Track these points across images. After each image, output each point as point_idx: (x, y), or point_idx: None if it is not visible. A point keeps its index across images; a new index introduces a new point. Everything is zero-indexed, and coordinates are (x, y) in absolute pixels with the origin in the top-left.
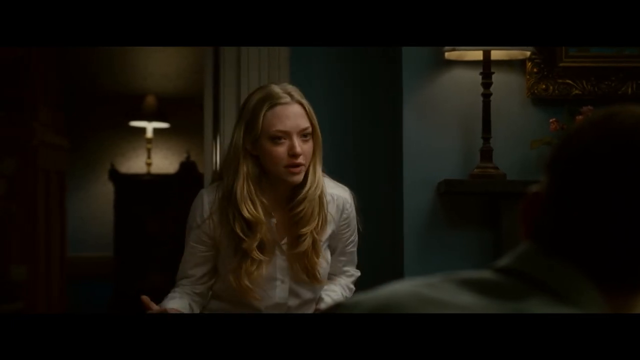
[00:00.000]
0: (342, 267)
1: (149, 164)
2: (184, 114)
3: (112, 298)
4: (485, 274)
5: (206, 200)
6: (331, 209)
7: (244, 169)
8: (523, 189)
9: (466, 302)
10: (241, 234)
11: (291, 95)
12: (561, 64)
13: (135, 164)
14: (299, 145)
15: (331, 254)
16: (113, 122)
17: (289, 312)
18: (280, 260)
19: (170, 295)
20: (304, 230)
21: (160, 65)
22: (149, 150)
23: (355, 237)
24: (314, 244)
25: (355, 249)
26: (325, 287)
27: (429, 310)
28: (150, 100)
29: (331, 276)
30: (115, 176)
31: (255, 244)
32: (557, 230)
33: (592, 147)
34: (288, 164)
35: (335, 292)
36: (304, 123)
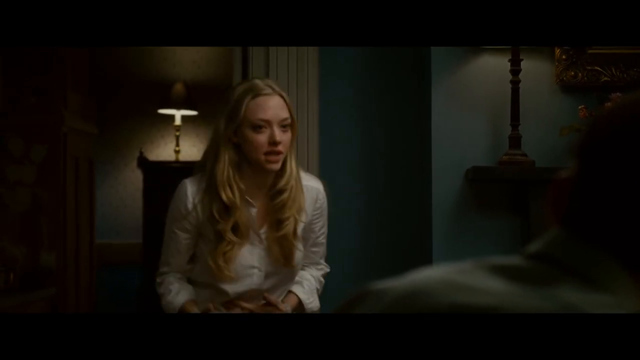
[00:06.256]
0: (318, 258)
1: (177, 152)
2: (213, 102)
3: (140, 285)
4: (515, 260)
5: (189, 191)
6: (305, 200)
7: (225, 155)
8: (552, 176)
9: (496, 288)
10: (217, 217)
11: (273, 88)
12: (590, 51)
13: (164, 151)
14: (279, 135)
15: (303, 245)
16: (142, 109)
17: (259, 295)
18: (258, 250)
19: (173, 288)
20: (287, 214)
21: (189, 52)
22: (177, 138)
23: (325, 229)
24: (295, 227)
25: (325, 240)
26: (298, 275)
27: (458, 297)
28: (179, 87)
29: (303, 266)
30: (144, 163)
31: (230, 226)
32: (586, 216)
33: (620, 131)
34: (268, 152)
35: (309, 281)
36: (284, 114)
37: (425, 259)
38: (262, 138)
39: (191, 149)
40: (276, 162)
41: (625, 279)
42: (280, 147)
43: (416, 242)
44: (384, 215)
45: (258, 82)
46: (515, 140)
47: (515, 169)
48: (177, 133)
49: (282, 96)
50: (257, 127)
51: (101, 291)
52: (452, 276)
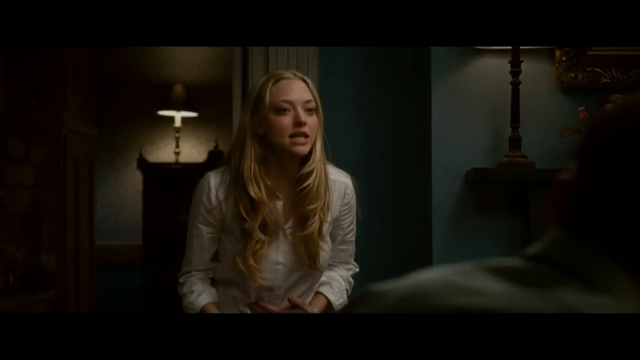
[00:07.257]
0: (347, 257)
1: (177, 153)
2: (212, 103)
3: (140, 286)
4: (515, 261)
5: (212, 183)
6: (332, 194)
7: (250, 150)
8: (552, 177)
9: (496, 290)
10: (244, 215)
11: (295, 73)
12: (590, 52)
13: (163, 152)
14: (303, 116)
15: (332, 243)
16: (142, 111)
17: (284, 291)
18: (283, 245)
19: (196, 289)
20: (311, 207)
21: (189, 54)
22: (177, 139)
23: (354, 226)
24: (320, 227)
25: (354, 238)
26: (326, 276)
27: (459, 299)
28: (179, 89)
29: (331, 266)
30: (144, 165)
31: (257, 224)
32: (586, 217)
33: (620, 133)
34: (293, 134)
35: (339, 282)
36: (308, 96)
37: (425, 260)
38: (287, 120)
39: (191, 151)
40: (303, 144)
41: (625, 281)
42: (305, 129)
43: (416, 243)
44: (384, 216)
45: (279, 70)
46: (515, 142)
47: (515, 171)
48: (177, 135)
49: (305, 81)
50: (281, 110)
51: (101, 292)
52: (453, 278)
